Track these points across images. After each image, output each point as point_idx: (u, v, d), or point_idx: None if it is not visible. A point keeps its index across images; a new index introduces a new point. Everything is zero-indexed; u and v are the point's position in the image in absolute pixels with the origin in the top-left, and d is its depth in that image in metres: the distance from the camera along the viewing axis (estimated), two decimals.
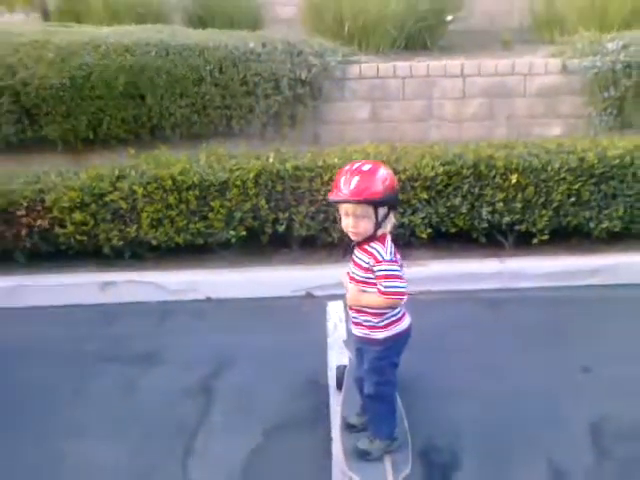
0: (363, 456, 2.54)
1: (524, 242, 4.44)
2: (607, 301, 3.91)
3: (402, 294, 2.41)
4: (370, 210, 2.36)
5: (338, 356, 3.31)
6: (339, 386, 2.98)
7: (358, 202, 2.34)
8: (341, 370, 3.03)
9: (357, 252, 2.47)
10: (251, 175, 4.15)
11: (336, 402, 2.96)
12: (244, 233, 4.26)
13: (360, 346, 2.62)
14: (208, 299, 4.14)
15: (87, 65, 4.49)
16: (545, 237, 4.32)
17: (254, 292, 4.13)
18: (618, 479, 2.44)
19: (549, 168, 4.16)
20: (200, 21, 6.16)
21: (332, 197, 2.41)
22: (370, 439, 2.59)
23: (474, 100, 4.95)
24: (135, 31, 4.86)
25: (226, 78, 4.70)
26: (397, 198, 2.50)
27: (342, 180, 2.35)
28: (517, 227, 4.30)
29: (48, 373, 3.31)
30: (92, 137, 4.66)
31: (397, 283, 2.39)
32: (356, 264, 2.48)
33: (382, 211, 2.39)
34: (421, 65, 5.00)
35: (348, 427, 2.71)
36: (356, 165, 2.39)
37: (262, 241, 4.35)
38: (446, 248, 4.40)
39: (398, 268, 2.43)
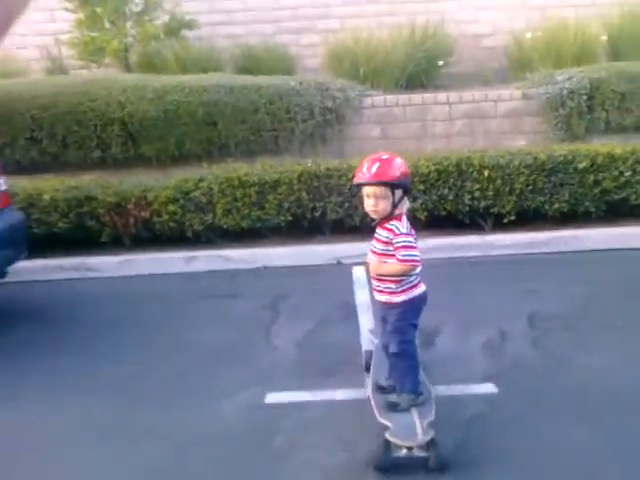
0: (393, 407, 2.76)
1: (498, 223, 5.81)
2: (555, 263, 5.17)
3: (417, 262, 2.71)
4: (388, 192, 2.67)
5: (361, 290, 4.63)
6: (367, 368, 3.22)
7: (378, 184, 2.67)
8: (368, 354, 3.31)
9: (378, 229, 2.78)
10: (295, 175, 5.58)
11: (360, 311, 4.23)
12: (290, 219, 5.65)
13: (383, 313, 2.90)
14: (265, 267, 5.51)
15: (176, 101, 6.00)
16: (512, 217, 5.63)
17: (298, 262, 5.46)
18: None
19: (512, 165, 5.51)
20: (246, 70, 7.69)
21: (356, 180, 2.77)
22: (398, 393, 2.82)
23: (458, 121, 6.39)
24: (207, 78, 6.36)
25: (274, 108, 6.16)
26: (410, 184, 2.82)
27: (365, 166, 2.71)
28: (491, 210, 5.63)
29: (163, 311, 4.54)
30: (177, 154, 6.14)
31: (413, 252, 2.70)
32: (377, 240, 2.78)
33: (398, 193, 2.71)
34: (417, 96, 6.48)
35: (378, 388, 2.95)
36: (376, 155, 2.76)
37: (304, 225, 5.75)
38: (439, 227, 5.70)
39: (413, 240, 2.73)
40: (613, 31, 7.45)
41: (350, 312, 4.31)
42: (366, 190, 2.70)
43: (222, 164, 5.89)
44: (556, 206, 5.60)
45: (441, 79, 7.66)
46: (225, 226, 5.66)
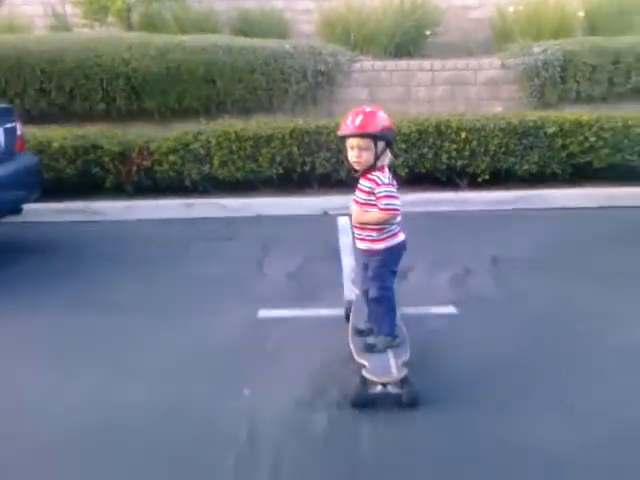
0: (370, 349, 2.91)
1: (473, 181, 6.27)
2: (523, 218, 5.59)
3: (397, 210, 2.82)
4: (371, 143, 2.74)
5: (345, 236, 5.02)
6: (347, 318, 3.35)
7: (361, 135, 2.73)
8: (349, 303, 3.46)
9: (361, 180, 2.87)
10: (287, 131, 5.98)
11: (343, 252, 4.66)
12: (282, 172, 6.08)
13: (364, 260, 3.00)
14: (257, 215, 5.96)
15: (177, 59, 6.37)
16: (486, 177, 6.12)
17: (288, 211, 5.90)
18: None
19: (487, 128, 5.96)
20: (242, 32, 8.01)
21: (340, 132, 2.83)
22: (375, 335, 2.97)
23: (440, 87, 6.83)
24: (206, 38, 6.72)
25: (269, 69, 6.55)
26: (393, 137, 2.88)
27: (349, 119, 2.77)
28: (467, 169, 6.09)
29: (165, 250, 4.96)
30: (177, 109, 6.52)
31: (394, 201, 2.80)
32: (360, 190, 2.87)
33: (380, 145, 2.77)
34: (403, 63, 6.90)
35: (357, 332, 3.09)
36: (360, 108, 2.84)
37: (294, 178, 6.17)
38: (419, 184, 6.15)
39: (394, 190, 2.83)
40: (591, 7, 7.84)
41: (334, 253, 4.75)
42: (350, 142, 2.78)
43: (219, 119, 6.30)
44: (526, 167, 6.07)
45: (428, 48, 8.02)
46: (221, 177, 6.07)
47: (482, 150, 5.97)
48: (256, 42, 6.84)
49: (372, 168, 2.80)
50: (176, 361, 3.13)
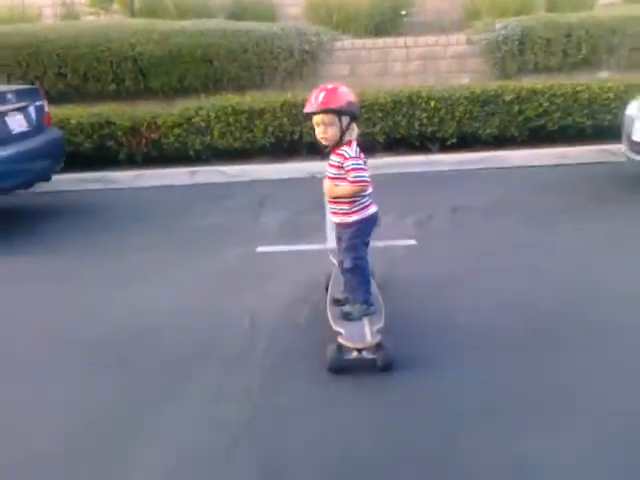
0: (346, 316, 3.01)
1: (442, 145, 7.03)
2: (486, 176, 6.44)
3: (366, 182, 2.90)
4: (335, 118, 2.82)
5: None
6: (326, 288, 3.42)
7: (324, 111, 2.80)
8: (328, 275, 3.54)
9: (331, 156, 2.95)
10: (278, 104, 6.71)
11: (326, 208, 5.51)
12: (274, 141, 6.83)
13: (339, 233, 3.11)
14: (253, 180, 6.73)
15: (178, 43, 7.10)
16: (454, 140, 6.86)
17: (280, 176, 6.67)
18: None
19: (453, 97, 6.70)
20: (234, 16, 8.69)
21: (305, 110, 2.90)
22: (351, 304, 3.07)
23: (414, 62, 7.57)
24: (203, 23, 7.42)
25: (260, 50, 7.27)
26: (356, 111, 2.92)
27: (312, 97, 2.84)
28: (437, 134, 6.84)
29: (175, 208, 5.75)
30: (179, 87, 7.27)
31: (362, 173, 2.88)
32: (330, 165, 2.95)
33: (345, 120, 2.85)
34: (380, 41, 7.63)
35: (335, 302, 3.21)
36: (323, 86, 2.91)
37: (284, 146, 6.93)
38: (394, 149, 6.94)
39: (362, 163, 2.91)
40: None
41: (319, 208, 5.40)
42: (315, 119, 2.86)
43: (217, 95, 7.03)
44: (488, 131, 6.81)
45: (404, 27, 8.73)
46: (220, 146, 6.81)
47: (449, 117, 6.72)
48: (248, 25, 7.55)
49: (340, 143, 2.88)
50: (194, 280, 3.98)
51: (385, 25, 8.39)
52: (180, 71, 7.17)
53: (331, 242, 3.88)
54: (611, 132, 6.17)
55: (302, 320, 3.33)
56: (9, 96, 5.06)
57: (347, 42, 7.66)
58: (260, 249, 4.40)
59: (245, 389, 2.73)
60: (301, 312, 3.42)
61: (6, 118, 4.94)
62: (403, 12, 8.45)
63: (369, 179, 2.92)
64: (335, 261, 3.39)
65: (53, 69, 7.06)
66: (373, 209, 3.02)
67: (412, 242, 4.38)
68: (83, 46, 7.04)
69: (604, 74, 7.39)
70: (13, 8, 8.57)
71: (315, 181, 6.63)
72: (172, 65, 7.13)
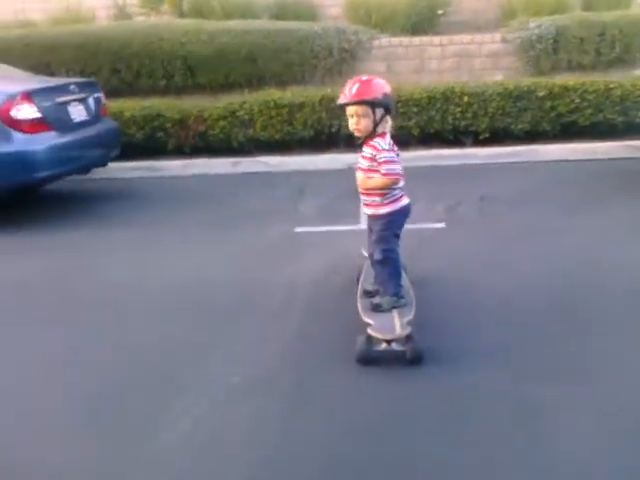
0: (376, 308, 3.00)
1: (475, 139, 7.25)
2: (517, 169, 6.54)
3: (398, 175, 2.88)
4: (368, 110, 2.80)
5: None
6: (357, 280, 3.42)
7: (358, 103, 2.79)
8: (360, 267, 3.52)
9: (363, 147, 2.95)
10: (317, 99, 7.03)
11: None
12: (313, 133, 7.16)
13: (370, 224, 3.12)
14: (293, 170, 7.04)
15: (225, 42, 7.52)
16: (486, 135, 7.09)
17: (318, 166, 7.01)
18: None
19: (486, 93, 6.91)
20: (277, 17, 9.06)
21: (339, 101, 2.89)
22: (381, 296, 3.06)
23: (449, 59, 7.81)
24: (248, 23, 7.83)
25: (301, 48, 7.64)
26: (391, 103, 2.89)
27: (347, 88, 2.83)
28: (470, 129, 7.10)
29: (220, 194, 6.05)
30: (225, 83, 7.67)
31: (394, 166, 2.86)
32: (363, 157, 2.95)
33: (379, 112, 2.82)
34: (416, 39, 7.91)
35: (365, 293, 3.20)
36: (357, 77, 2.90)
37: (323, 139, 7.24)
38: (429, 142, 7.19)
39: (395, 156, 2.89)
40: None
41: (354, 196, 5.75)
42: (348, 110, 2.85)
43: (260, 91, 7.40)
44: (520, 126, 6.99)
45: (441, 26, 8.97)
46: (262, 138, 7.16)
47: (482, 112, 6.94)
48: (290, 25, 7.92)
49: (372, 135, 2.87)
50: (240, 252, 4.39)
51: (422, 24, 8.63)
52: (226, 68, 7.58)
53: (364, 223, 4.07)
54: None
55: (336, 287, 3.65)
56: (71, 87, 5.50)
57: (384, 40, 7.95)
58: (298, 229, 4.74)
59: (281, 337, 3.11)
60: (335, 280, 3.74)
61: (68, 107, 5.38)
62: (440, 11, 8.69)
63: (401, 172, 2.91)
64: (366, 253, 3.37)
65: (108, 66, 7.55)
66: (405, 201, 3.02)
67: (442, 225, 4.66)
68: (136, 44, 7.52)
69: (638, 72, 7.50)
70: (69, 10, 9.13)
71: (351, 171, 6.78)
72: (218, 62, 7.53)
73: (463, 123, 7.01)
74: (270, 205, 5.56)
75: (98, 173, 6.50)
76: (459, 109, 6.95)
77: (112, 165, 6.55)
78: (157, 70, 7.55)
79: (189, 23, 7.90)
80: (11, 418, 2.60)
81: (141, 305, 3.61)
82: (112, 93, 7.35)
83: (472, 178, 6.30)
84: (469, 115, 6.97)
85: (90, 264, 4.36)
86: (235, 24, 7.78)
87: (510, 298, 3.44)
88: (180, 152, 7.21)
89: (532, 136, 7.04)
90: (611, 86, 6.89)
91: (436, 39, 7.84)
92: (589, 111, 6.88)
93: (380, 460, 2.25)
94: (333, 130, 7.07)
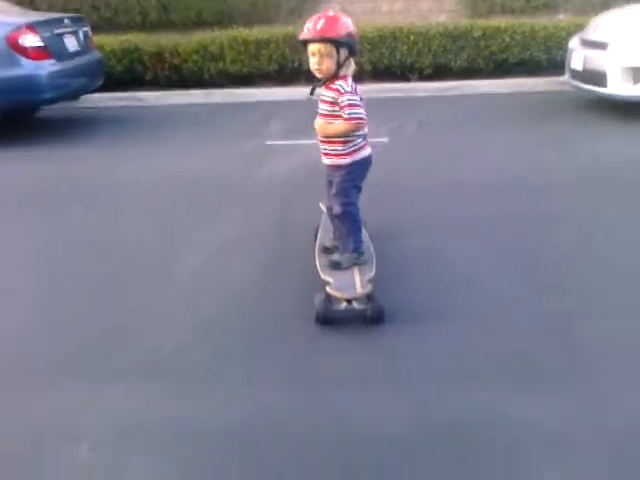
0: (335, 266, 2.83)
1: (420, 74, 8.17)
2: (456, 100, 7.47)
3: (362, 119, 2.65)
4: (332, 50, 2.55)
5: None
6: (315, 236, 3.26)
7: (322, 40, 2.53)
8: (317, 223, 3.37)
9: (323, 90, 2.70)
10: (281, 36, 7.80)
11: None
12: (277, 68, 7.95)
13: (329, 176, 2.88)
14: (259, 101, 7.86)
15: None
16: (430, 71, 8.02)
17: (281, 97, 7.82)
18: None
19: (430, 33, 7.78)
20: None
21: (301, 36, 2.61)
22: (340, 253, 2.88)
23: (398, 2, 8.68)
24: None
25: None
26: (356, 44, 2.64)
27: (311, 23, 2.56)
28: (415, 65, 7.99)
29: (194, 119, 6.93)
30: (197, 21, 8.39)
31: (358, 110, 2.63)
32: (323, 101, 2.71)
33: (343, 53, 2.59)
34: None
35: (324, 250, 3.03)
36: (323, 13, 2.65)
37: (286, 73, 8.04)
38: (380, 77, 8.11)
39: (358, 99, 2.65)
40: None
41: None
42: (311, 48, 2.60)
43: (229, 29, 8.13)
44: (459, 63, 7.93)
45: None
46: (232, 72, 7.94)
47: (426, 50, 7.85)
48: None
49: (334, 77, 2.64)
50: (221, 158, 5.30)
51: None
52: (197, 6, 8.28)
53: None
54: (563, 66, 7.30)
55: (300, 181, 4.61)
56: (65, 21, 6.17)
57: None
58: (268, 142, 5.66)
59: (262, 216, 4.03)
60: (299, 175, 4.71)
61: (64, 39, 6.06)
62: None
63: (365, 117, 2.69)
64: (324, 207, 3.15)
65: (88, 3, 8.13)
66: (368, 151, 2.83)
67: (385, 139, 5.61)
68: None
69: (561, 16, 8.48)
70: None
71: (311, 102, 7.84)
72: (191, 2, 8.20)
73: (409, 60, 7.90)
74: (243, 127, 6.43)
75: (84, 102, 7.22)
76: (406, 47, 7.83)
77: (95, 95, 7.27)
78: (133, 7, 8.19)
79: None
80: (59, 278, 3.51)
81: (143, 195, 4.48)
82: (92, 29, 7.92)
83: (415, 107, 7.23)
84: (414, 52, 7.86)
85: (96, 169, 5.18)
86: None
87: (442, 199, 4.46)
88: (156, 84, 7.93)
89: (469, 72, 7.98)
90: (537, 28, 7.84)
91: None
92: (517, 50, 7.85)
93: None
94: (295, 65, 7.88)
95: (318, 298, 2.71)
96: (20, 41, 5.45)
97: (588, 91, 6.34)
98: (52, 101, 6.04)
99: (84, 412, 2.24)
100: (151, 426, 2.17)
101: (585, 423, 2.11)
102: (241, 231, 3.78)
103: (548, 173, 4.63)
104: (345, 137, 2.73)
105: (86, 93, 6.74)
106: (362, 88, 2.78)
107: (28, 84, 5.55)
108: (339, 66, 2.62)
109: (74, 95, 6.51)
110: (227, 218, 3.98)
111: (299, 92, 7.90)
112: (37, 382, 2.43)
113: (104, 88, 7.36)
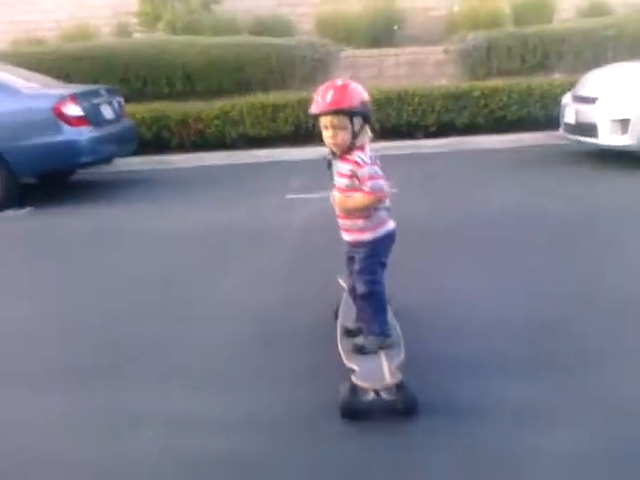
0: (360, 350, 2.62)
1: (425, 132, 8.75)
2: (460, 155, 8.06)
3: (385, 192, 2.52)
4: (346, 121, 2.44)
5: None
6: (336, 316, 3.05)
7: (335, 112, 2.43)
8: (337, 301, 3.17)
9: (339, 163, 2.56)
10: (296, 101, 8.44)
11: None
12: (293, 130, 8.57)
13: (351, 252, 2.69)
14: (278, 161, 8.45)
15: (217, 55, 8.88)
16: (434, 129, 8.60)
17: (297, 156, 8.36)
18: None
19: (433, 94, 8.41)
20: (257, 33, 10.25)
21: (311, 111, 2.50)
22: (365, 335, 2.68)
23: (402, 67, 9.33)
24: (235, 39, 9.22)
25: (281, 59, 9.05)
26: (369, 110, 2.54)
27: (320, 95, 2.47)
28: (420, 124, 8.57)
29: (220, 179, 7.54)
30: (218, 89, 8.99)
31: (380, 182, 2.50)
32: (340, 174, 2.56)
33: (357, 122, 2.47)
34: (375, 51, 9.41)
35: (346, 332, 2.82)
36: (331, 82, 2.54)
37: (301, 134, 8.64)
38: (387, 136, 8.66)
39: (378, 170, 2.53)
40: (517, 4, 10.27)
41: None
42: (323, 121, 2.50)
43: (248, 95, 8.79)
44: (461, 121, 8.51)
45: (396, 39, 10.45)
46: (251, 134, 8.56)
47: (430, 110, 8.45)
48: (270, 40, 9.32)
49: (351, 148, 2.51)
50: (248, 210, 5.79)
51: (380, 38, 10.09)
52: (218, 76, 8.96)
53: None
54: (559, 121, 7.85)
55: (317, 225, 5.01)
56: (102, 92, 6.82)
57: (349, 52, 9.42)
58: (289, 196, 6.14)
59: (281, 253, 4.47)
60: (317, 222, 5.12)
61: (100, 108, 6.68)
62: (395, 27, 10.18)
63: (387, 189, 2.56)
64: (344, 284, 3.00)
65: (119, 76, 8.80)
66: (391, 225, 2.65)
67: (395, 190, 6.07)
68: (142, 57, 8.84)
69: (556, 75, 9.09)
70: (78, 27, 10.37)
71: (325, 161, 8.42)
72: (212, 72, 8.91)
73: (414, 119, 8.48)
74: (264, 183, 6.96)
75: (115, 166, 7.81)
76: (411, 107, 8.43)
77: (126, 159, 7.86)
78: (161, 79, 8.88)
79: (185, 39, 9.24)
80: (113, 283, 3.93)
81: (180, 243, 4.96)
82: (124, 99, 8.64)
83: (421, 162, 7.77)
84: (419, 112, 8.45)
85: (130, 222, 5.67)
86: (224, 39, 9.14)
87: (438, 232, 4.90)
88: (182, 148, 8.53)
89: (471, 129, 8.54)
90: (533, 86, 8.44)
91: (392, 50, 9.35)
92: (515, 107, 8.42)
93: None
94: (310, 127, 8.43)
95: (343, 388, 2.47)
96: (64, 110, 6.05)
97: (581, 142, 6.84)
98: (89, 164, 6.61)
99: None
100: None
101: None
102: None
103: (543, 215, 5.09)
104: (367, 211, 2.58)
105: (120, 157, 7.31)
106: (372, 147, 2.67)
107: (69, 148, 6.14)
108: (355, 136, 2.50)
109: (108, 160, 7.08)
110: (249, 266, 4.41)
111: (314, 151, 8.49)
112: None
113: (134, 152, 7.98)
